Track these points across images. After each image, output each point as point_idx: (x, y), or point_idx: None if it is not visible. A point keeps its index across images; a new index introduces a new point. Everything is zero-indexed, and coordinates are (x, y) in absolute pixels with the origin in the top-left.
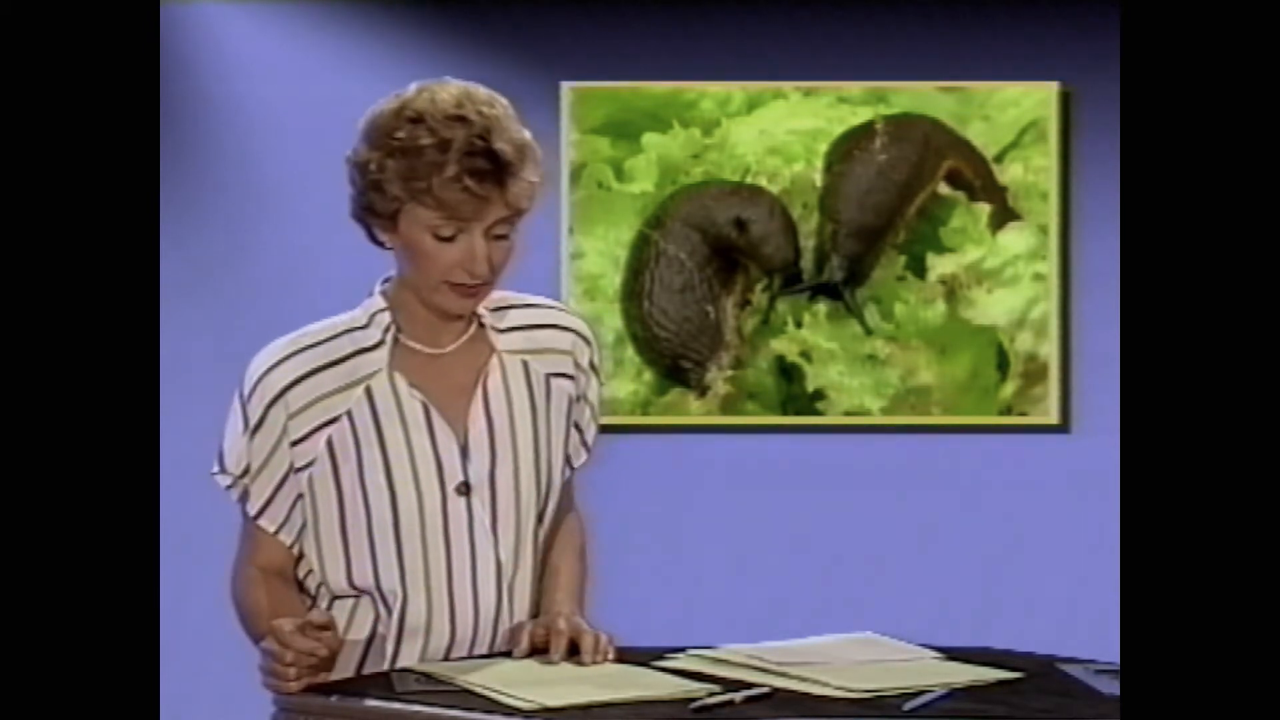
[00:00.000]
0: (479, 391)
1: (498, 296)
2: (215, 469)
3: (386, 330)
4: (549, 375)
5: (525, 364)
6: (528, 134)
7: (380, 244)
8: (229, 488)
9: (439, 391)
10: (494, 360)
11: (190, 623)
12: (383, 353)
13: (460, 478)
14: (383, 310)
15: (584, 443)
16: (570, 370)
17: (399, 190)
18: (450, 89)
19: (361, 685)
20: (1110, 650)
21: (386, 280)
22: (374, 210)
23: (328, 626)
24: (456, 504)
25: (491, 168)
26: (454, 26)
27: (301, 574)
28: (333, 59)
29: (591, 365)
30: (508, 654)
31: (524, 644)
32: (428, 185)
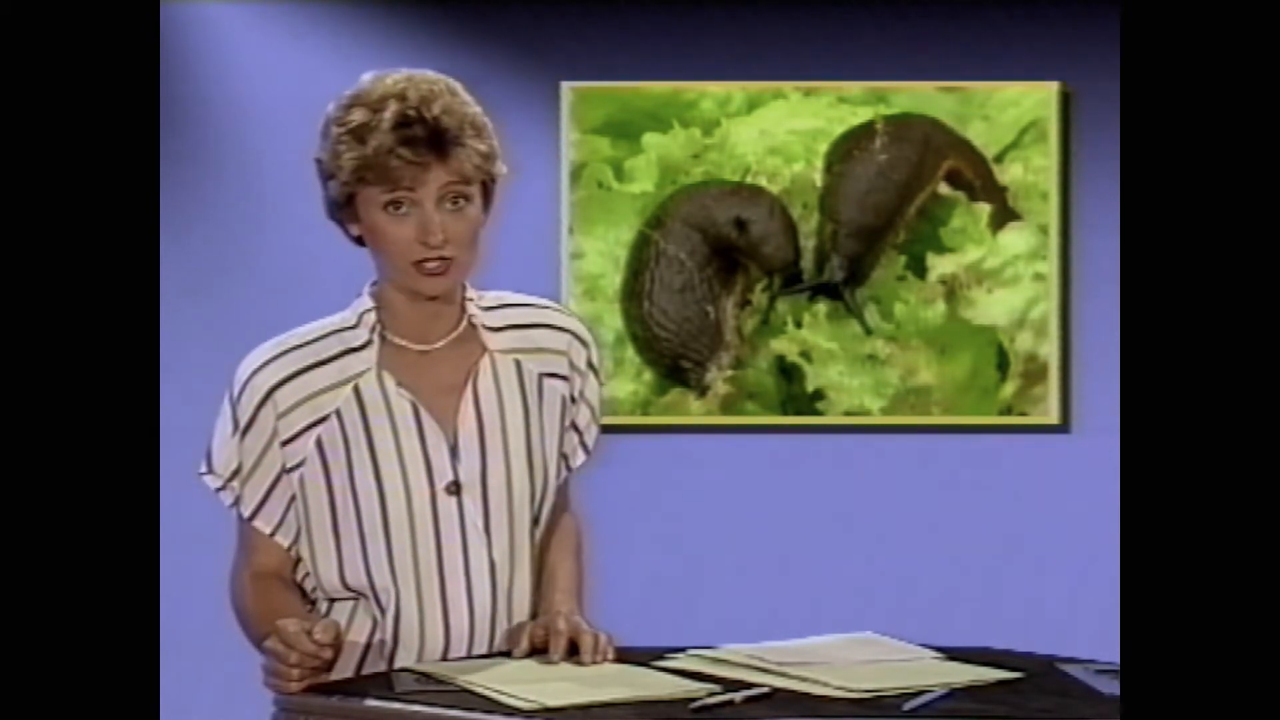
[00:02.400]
0: (469, 390)
1: (492, 295)
2: (203, 469)
3: (373, 329)
4: (542, 375)
5: (518, 363)
6: (477, 108)
7: (358, 241)
8: (219, 490)
9: (428, 390)
10: (485, 359)
11: (190, 623)
12: (371, 352)
13: (450, 477)
14: (370, 310)
15: (583, 444)
16: (564, 371)
17: (347, 174)
18: (397, 73)
19: (361, 685)
20: (1110, 650)
21: (375, 282)
22: (336, 202)
23: (333, 643)
24: (447, 503)
25: (425, 134)
26: (454, 26)
27: (299, 577)
28: (333, 59)
29: (590, 365)
30: (507, 654)
31: (524, 644)
32: (368, 161)
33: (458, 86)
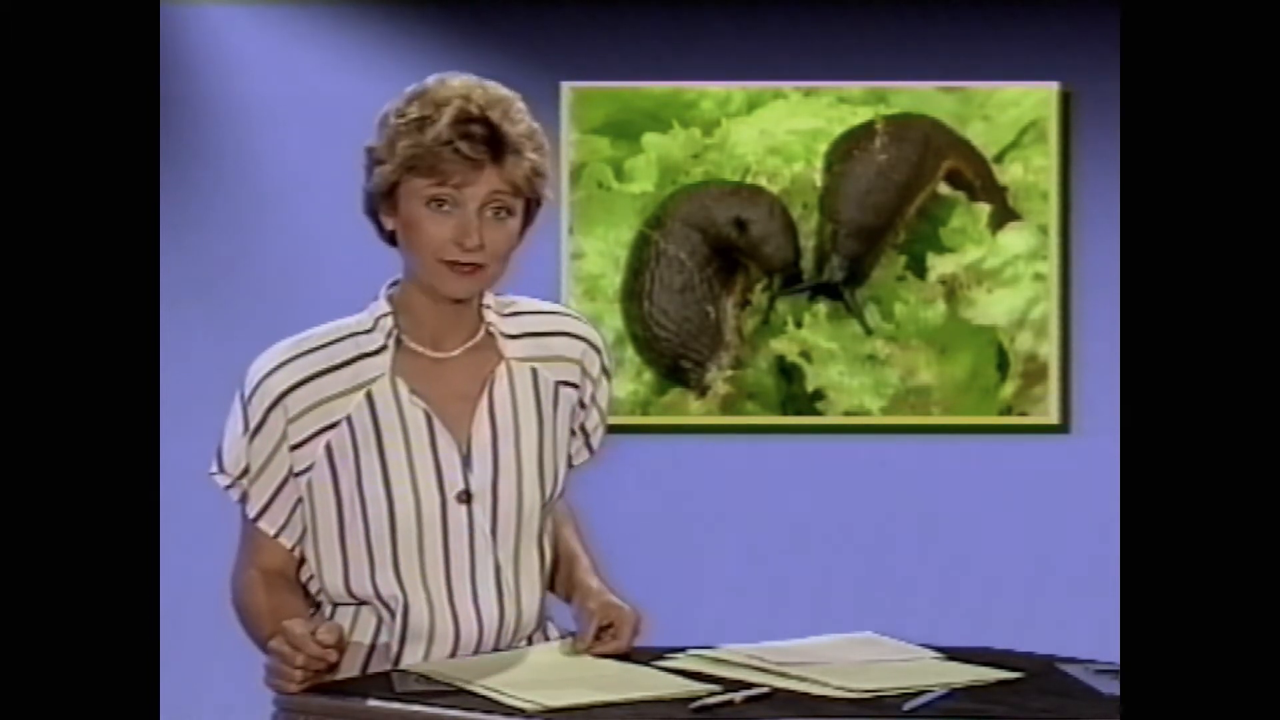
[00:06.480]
0: (484, 399)
1: (507, 301)
2: (214, 468)
3: (389, 334)
4: (558, 383)
5: (534, 371)
6: (536, 125)
7: (390, 239)
8: (227, 488)
9: (442, 398)
10: (501, 367)
11: (190, 623)
12: (385, 357)
13: (461, 486)
14: (387, 314)
15: (588, 444)
16: (576, 379)
17: (397, 162)
18: (464, 77)
19: (362, 685)
20: (1110, 650)
21: (394, 284)
22: (379, 191)
23: (337, 644)
24: (457, 511)
25: (484, 134)
26: (454, 26)
27: (304, 578)
28: (333, 59)
29: (604, 370)
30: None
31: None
32: (423, 150)
33: (522, 103)
